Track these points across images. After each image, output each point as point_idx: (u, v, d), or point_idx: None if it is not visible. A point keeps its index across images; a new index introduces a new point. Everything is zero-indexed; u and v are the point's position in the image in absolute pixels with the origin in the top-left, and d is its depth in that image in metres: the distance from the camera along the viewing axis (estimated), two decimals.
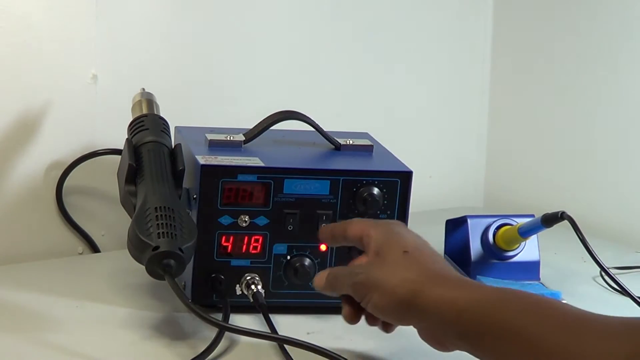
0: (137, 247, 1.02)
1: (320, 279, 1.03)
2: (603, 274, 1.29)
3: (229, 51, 1.47)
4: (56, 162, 1.34)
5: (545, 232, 1.22)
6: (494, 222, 1.26)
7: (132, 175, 1.11)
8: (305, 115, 1.22)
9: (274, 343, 1.04)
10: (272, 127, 1.21)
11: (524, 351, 0.86)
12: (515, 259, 1.25)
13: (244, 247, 1.12)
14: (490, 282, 1.21)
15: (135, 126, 1.18)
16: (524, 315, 0.88)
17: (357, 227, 1.03)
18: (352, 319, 1.00)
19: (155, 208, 1.04)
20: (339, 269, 1.03)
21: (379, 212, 1.15)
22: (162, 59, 1.41)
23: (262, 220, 1.12)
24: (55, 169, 1.34)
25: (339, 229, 1.06)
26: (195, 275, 1.12)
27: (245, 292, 1.10)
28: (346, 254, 1.14)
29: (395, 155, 1.22)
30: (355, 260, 1.03)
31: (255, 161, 1.13)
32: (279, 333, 1.05)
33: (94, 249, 1.38)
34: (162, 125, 1.19)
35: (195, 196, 1.11)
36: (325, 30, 1.56)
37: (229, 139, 1.19)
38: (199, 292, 1.12)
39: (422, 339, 0.95)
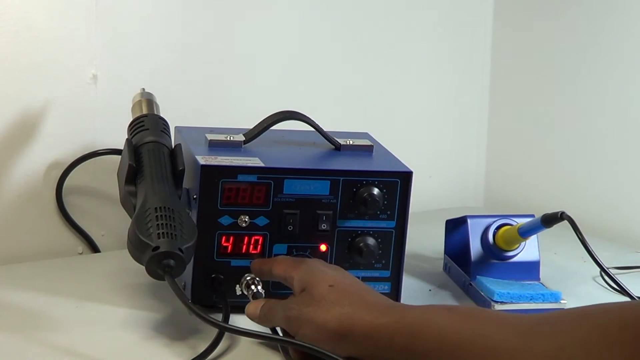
0: (137, 247, 1.02)
1: (254, 309, 1.06)
2: (603, 274, 1.29)
3: (229, 51, 1.47)
4: (56, 162, 1.34)
5: (545, 232, 1.22)
6: (494, 222, 1.26)
7: (132, 176, 1.10)
8: (305, 115, 1.22)
9: (274, 343, 1.04)
10: (272, 127, 1.21)
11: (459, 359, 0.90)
12: (515, 259, 1.25)
13: (244, 247, 1.12)
14: (490, 282, 1.21)
15: (135, 126, 1.18)
16: (453, 327, 0.91)
17: (281, 267, 1.08)
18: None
19: (155, 208, 1.04)
20: (274, 301, 1.05)
21: (379, 212, 1.15)
22: (162, 59, 1.41)
23: (262, 221, 1.12)
24: (55, 169, 1.34)
25: (266, 265, 1.10)
26: (195, 276, 1.12)
27: (245, 293, 1.10)
28: (346, 254, 1.14)
29: (395, 155, 1.22)
30: (290, 297, 1.05)
31: (255, 161, 1.13)
32: (279, 332, 1.05)
33: (94, 249, 1.38)
34: (162, 125, 1.19)
35: (195, 196, 1.11)
36: (325, 30, 1.56)
37: (229, 139, 1.19)
38: (199, 292, 1.12)
39: None
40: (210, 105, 1.46)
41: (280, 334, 1.03)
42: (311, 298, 1.00)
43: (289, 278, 1.05)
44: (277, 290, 1.13)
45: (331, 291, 0.99)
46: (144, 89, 1.25)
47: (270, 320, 1.04)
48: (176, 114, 1.27)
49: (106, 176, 1.33)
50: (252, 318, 1.06)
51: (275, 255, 1.13)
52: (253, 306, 1.06)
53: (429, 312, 0.95)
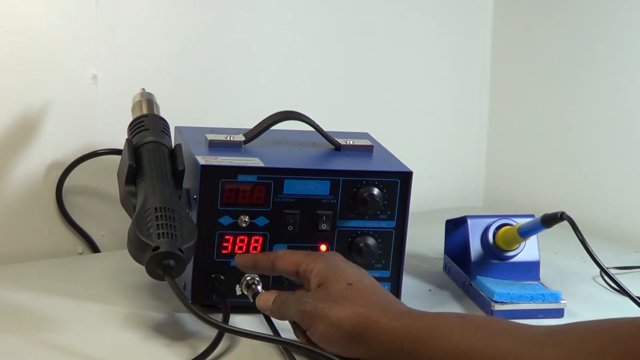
0: (137, 247, 1.02)
1: (265, 301, 1.05)
2: (603, 274, 1.29)
3: (229, 51, 1.47)
4: (56, 162, 1.34)
5: (545, 232, 1.22)
6: (494, 222, 1.26)
7: (132, 176, 1.11)
8: (305, 115, 1.22)
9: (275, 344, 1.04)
10: (272, 127, 1.21)
11: None
12: (515, 259, 1.25)
13: (244, 247, 1.12)
14: (490, 282, 1.21)
15: (135, 126, 1.18)
16: (461, 335, 0.92)
17: (291, 259, 1.06)
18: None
19: (155, 208, 1.04)
20: (287, 294, 1.04)
21: (379, 212, 1.15)
22: (162, 59, 1.41)
23: (262, 221, 1.12)
24: (55, 169, 1.34)
25: (265, 260, 1.08)
26: (195, 276, 1.12)
27: (245, 293, 1.10)
28: (346, 254, 1.14)
29: (395, 155, 1.22)
30: (298, 290, 1.05)
31: (255, 161, 1.13)
32: (280, 333, 1.05)
33: (94, 249, 1.38)
34: (162, 125, 1.19)
35: (195, 196, 1.11)
36: (325, 30, 1.56)
37: (229, 139, 1.19)
38: (199, 292, 1.12)
39: None
40: (210, 105, 1.46)
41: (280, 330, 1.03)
42: (327, 294, 0.99)
43: (305, 271, 1.04)
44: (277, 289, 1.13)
45: (349, 290, 0.99)
46: (144, 89, 1.25)
47: (282, 314, 1.03)
48: (176, 114, 1.27)
49: (106, 176, 1.33)
50: (263, 310, 1.05)
51: None
52: (264, 298, 1.05)
53: (440, 319, 0.95)
